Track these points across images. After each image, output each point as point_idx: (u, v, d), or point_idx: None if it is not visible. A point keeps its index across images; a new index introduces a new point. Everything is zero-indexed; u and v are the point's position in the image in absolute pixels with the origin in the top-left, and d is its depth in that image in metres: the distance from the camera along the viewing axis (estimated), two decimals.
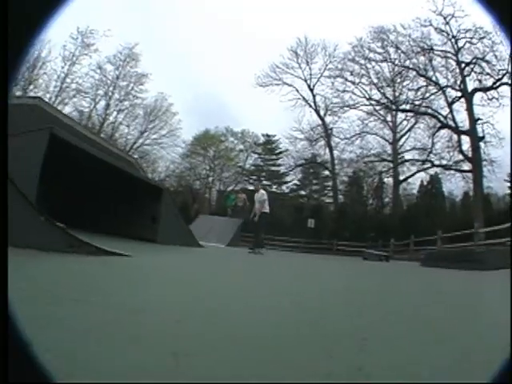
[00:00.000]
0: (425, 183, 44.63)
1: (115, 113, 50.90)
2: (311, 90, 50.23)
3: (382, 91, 46.41)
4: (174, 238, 12.51)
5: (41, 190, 7.48)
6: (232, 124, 59.92)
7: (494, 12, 1.42)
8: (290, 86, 50.64)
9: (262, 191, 17.15)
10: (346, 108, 48.03)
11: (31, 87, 43.23)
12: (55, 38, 42.70)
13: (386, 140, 47.41)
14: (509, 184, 40.67)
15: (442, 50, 41.20)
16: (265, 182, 53.91)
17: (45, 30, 1.38)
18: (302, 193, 54.30)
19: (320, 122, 49.82)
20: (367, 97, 46.93)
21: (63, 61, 46.45)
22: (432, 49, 41.56)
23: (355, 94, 47.58)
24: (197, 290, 4.02)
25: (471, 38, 38.58)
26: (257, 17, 63.77)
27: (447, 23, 39.41)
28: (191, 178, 54.88)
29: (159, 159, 53.36)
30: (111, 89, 50.37)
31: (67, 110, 39.42)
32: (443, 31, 40.13)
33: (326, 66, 49.49)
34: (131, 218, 13.84)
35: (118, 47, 50.62)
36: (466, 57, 39.58)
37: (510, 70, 35.19)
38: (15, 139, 7.25)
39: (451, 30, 39.43)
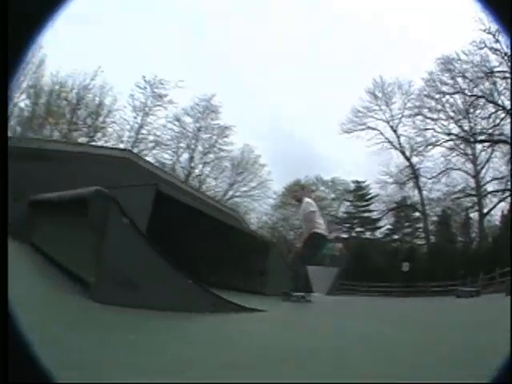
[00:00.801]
0: (505, 212, 42.44)
1: (200, 166, 51.12)
2: (394, 132, 49.42)
3: (459, 124, 45.50)
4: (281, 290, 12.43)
5: None
6: (321, 172, 58.62)
7: (494, 12, 1.44)
8: (374, 129, 49.86)
9: (308, 200, 9.98)
10: (429, 146, 47.09)
11: (99, 135, 43.63)
12: (118, 85, 43.09)
13: (469, 174, 45.81)
14: None
15: (500, 71, 39.90)
16: (358, 229, 53.12)
17: (45, 30, 1.39)
18: (395, 237, 52.77)
19: (407, 164, 48.68)
20: (447, 132, 46.00)
21: (134, 111, 46.40)
22: (492, 71, 40.28)
23: (436, 131, 46.77)
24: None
25: None
26: (333, 60, 63.20)
27: (497, 40, 37.31)
28: (285, 228, 54.31)
29: (251, 211, 52.90)
30: (193, 141, 50.57)
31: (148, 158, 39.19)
32: (497, 50, 38.63)
33: (405, 105, 48.75)
34: (237, 270, 13.91)
35: (193, 98, 49.82)
36: None
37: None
38: (114, 193, 7.35)
39: (502, 47, 37.30)
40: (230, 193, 52.01)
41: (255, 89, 65.31)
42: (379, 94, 49.58)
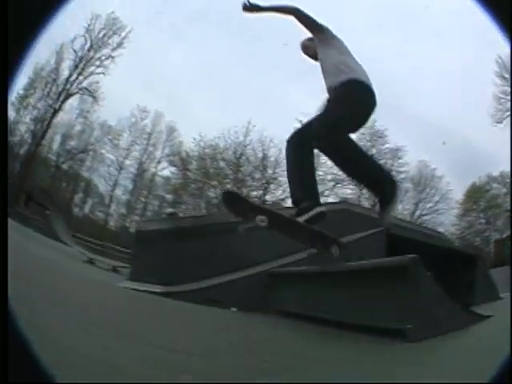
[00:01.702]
0: None
1: None
2: None
3: None
4: (485, 299, 12.24)
5: None
6: (489, 168, 55.36)
7: (494, 12, 1.46)
8: None
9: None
10: None
11: (272, 187, 44.05)
12: (271, 133, 42.99)
13: None
14: None
15: None
16: None
17: (45, 31, 1.39)
18: None
19: None
20: None
21: None
22: None
23: None
24: None
25: None
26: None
27: None
28: (471, 236, 52.12)
29: (438, 226, 51.22)
30: None
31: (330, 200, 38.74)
32: None
33: None
34: (454, 286, 13.94)
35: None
36: None
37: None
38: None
39: None
40: (418, 212, 50.37)
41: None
42: (506, 75, 45.98)
